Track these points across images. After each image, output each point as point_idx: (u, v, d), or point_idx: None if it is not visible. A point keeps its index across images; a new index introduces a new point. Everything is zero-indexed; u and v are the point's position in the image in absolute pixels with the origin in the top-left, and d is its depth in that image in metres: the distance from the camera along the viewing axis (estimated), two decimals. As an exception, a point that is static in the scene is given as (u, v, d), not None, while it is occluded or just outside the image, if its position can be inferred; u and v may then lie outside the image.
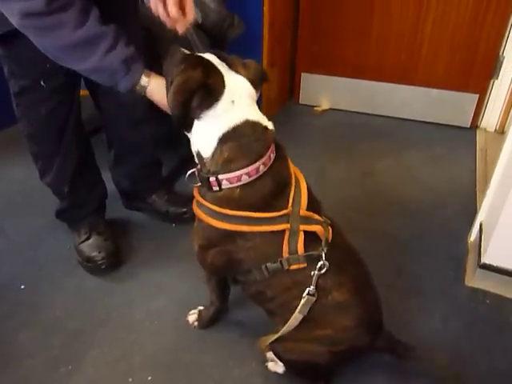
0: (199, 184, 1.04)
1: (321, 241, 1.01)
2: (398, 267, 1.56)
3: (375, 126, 2.56)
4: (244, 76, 0.99)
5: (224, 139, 0.97)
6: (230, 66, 0.99)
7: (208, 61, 0.98)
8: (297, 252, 0.99)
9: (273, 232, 0.99)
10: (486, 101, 2.43)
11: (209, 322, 1.34)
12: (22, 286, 1.48)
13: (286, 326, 1.02)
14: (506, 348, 1.30)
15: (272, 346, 1.11)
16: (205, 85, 0.94)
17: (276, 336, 1.05)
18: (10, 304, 1.42)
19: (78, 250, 1.58)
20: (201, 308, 1.36)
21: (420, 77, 2.47)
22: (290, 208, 0.99)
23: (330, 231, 1.05)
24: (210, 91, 0.94)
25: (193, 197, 1.09)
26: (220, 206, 1.00)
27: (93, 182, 1.65)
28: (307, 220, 1.00)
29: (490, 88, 2.39)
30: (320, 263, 0.99)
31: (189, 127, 1.01)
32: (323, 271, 0.99)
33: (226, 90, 0.96)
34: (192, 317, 1.35)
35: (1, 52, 1.30)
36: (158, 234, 1.72)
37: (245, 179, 0.97)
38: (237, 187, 0.98)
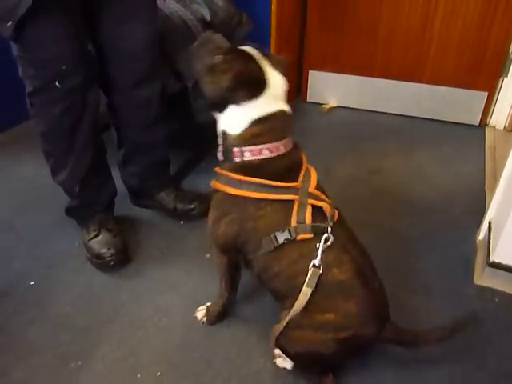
0: (221, 159, 1.12)
1: (326, 219, 1.05)
2: (405, 266, 1.56)
3: (383, 124, 2.55)
4: (279, 72, 1.09)
5: (256, 122, 1.06)
6: (269, 62, 1.08)
7: (254, 56, 1.07)
8: (305, 222, 1.03)
9: (282, 202, 1.05)
10: (494, 99, 2.41)
11: (217, 318, 1.35)
12: (32, 283, 1.49)
13: (296, 303, 1.02)
14: (515, 347, 1.29)
15: (277, 340, 1.11)
16: (257, 78, 1.04)
17: (289, 317, 1.04)
18: (19, 300, 1.43)
19: (87, 246, 1.59)
20: (209, 304, 1.36)
21: (428, 74, 2.45)
22: (299, 183, 1.07)
23: (336, 213, 1.09)
24: (259, 85, 1.04)
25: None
26: (235, 173, 1.07)
27: (103, 181, 1.65)
28: (315, 196, 1.07)
29: (499, 86, 2.37)
30: (325, 235, 1.02)
31: (222, 109, 1.08)
32: (329, 243, 1.02)
33: (270, 85, 1.05)
34: (200, 313, 1.36)
35: (16, 52, 1.31)
36: (166, 231, 1.72)
37: (265, 154, 1.06)
38: (256, 160, 1.06)
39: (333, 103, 2.72)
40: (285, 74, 1.10)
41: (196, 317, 1.36)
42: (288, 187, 1.05)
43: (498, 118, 2.44)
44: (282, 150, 1.07)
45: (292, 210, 1.04)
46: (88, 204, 1.62)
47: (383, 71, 2.53)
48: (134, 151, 1.72)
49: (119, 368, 1.24)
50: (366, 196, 1.93)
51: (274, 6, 2.16)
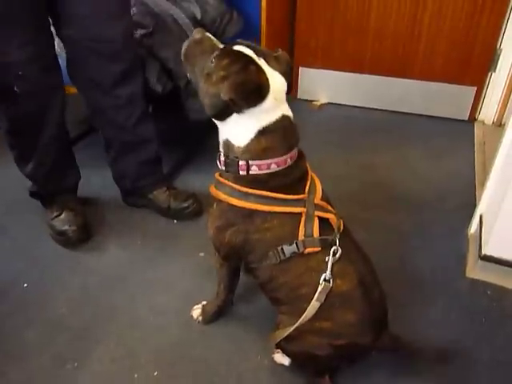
0: (223, 168, 1.07)
1: (332, 230, 1.04)
2: (398, 260, 1.57)
3: (373, 120, 2.56)
4: (278, 71, 1.01)
5: (263, 132, 1.00)
6: (266, 60, 1.00)
7: (251, 57, 0.98)
8: (312, 235, 1.02)
9: (290, 214, 1.03)
10: (483, 94, 2.43)
11: (213, 317, 1.35)
12: (25, 285, 1.49)
13: (303, 316, 1.02)
14: (507, 338, 1.31)
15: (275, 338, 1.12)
16: (259, 84, 0.96)
17: (293, 328, 1.04)
18: (14, 302, 1.43)
19: (51, 225, 1.66)
20: (204, 303, 1.37)
21: (418, 70, 2.47)
22: (306, 194, 1.04)
23: (342, 223, 1.08)
24: (261, 91, 0.97)
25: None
26: (240, 185, 1.03)
27: (68, 172, 1.72)
28: (321, 208, 1.05)
29: (487, 81, 2.39)
30: (334, 248, 1.02)
31: (225, 118, 1.02)
32: (337, 256, 1.02)
33: (271, 89, 0.98)
34: (196, 312, 1.36)
35: None
36: (160, 231, 1.72)
37: (273, 168, 1.02)
38: (264, 174, 1.02)
39: (323, 100, 2.72)
40: (285, 71, 1.03)
41: (192, 316, 1.36)
42: (296, 200, 1.03)
43: (486, 113, 2.46)
44: (289, 163, 1.03)
45: (299, 222, 1.02)
46: (52, 190, 1.69)
47: (373, 68, 2.54)
48: (122, 151, 1.72)
49: (116, 368, 1.24)
50: (358, 192, 1.94)
51: (264, 4, 2.16)
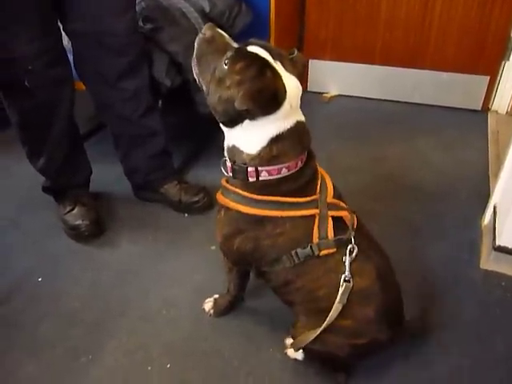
0: (230, 175, 1.02)
1: (346, 227, 1.01)
2: (411, 252, 1.56)
3: (385, 111, 2.54)
4: (294, 74, 0.95)
5: (276, 139, 0.95)
6: (282, 63, 0.93)
7: (267, 61, 0.91)
8: (327, 237, 0.99)
9: (302, 217, 0.99)
10: (496, 83, 2.39)
11: (224, 311, 1.35)
12: (39, 279, 1.50)
13: (328, 319, 1.00)
14: (522, 330, 1.30)
15: (293, 335, 1.12)
16: (276, 91, 0.90)
17: (317, 333, 1.03)
18: (28, 296, 1.44)
19: (63, 220, 1.68)
20: (216, 296, 1.37)
21: (430, 60, 2.44)
22: (318, 194, 1.01)
23: (355, 218, 1.05)
24: (278, 99, 0.91)
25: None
26: (251, 193, 0.99)
27: (80, 166, 1.73)
28: (334, 206, 1.02)
29: (501, 70, 2.35)
30: (350, 246, 0.99)
31: (235, 125, 0.96)
32: (354, 254, 0.99)
33: (288, 95, 0.92)
34: (208, 305, 1.36)
35: None
36: (171, 225, 1.73)
37: (284, 172, 0.97)
38: (273, 179, 0.98)
39: (334, 92, 2.71)
40: (301, 75, 0.97)
41: (204, 309, 1.36)
42: (308, 202, 0.99)
43: (500, 103, 2.43)
44: (300, 165, 0.99)
45: (313, 224, 0.99)
46: (64, 185, 1.70)
47: (384, 58, 2.51)
48: (131, 145, 1.73)
49: (129, 361, 1.24)
50: (370, 184, 1.93)
51: (272, -5, 2.15)
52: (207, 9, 1.81)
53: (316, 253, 0.99)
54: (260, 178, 0.97)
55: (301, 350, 1.17)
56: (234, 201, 1.02)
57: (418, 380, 1.18)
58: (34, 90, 1.41)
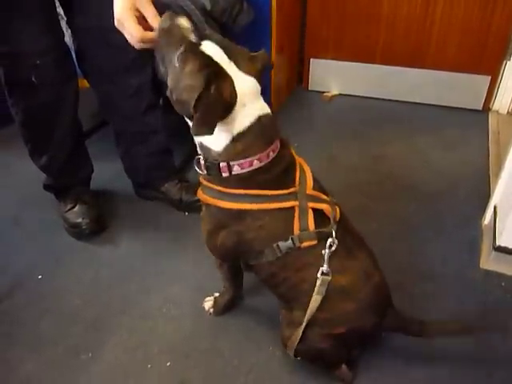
0: (205, 172, 1.04)
1: (328, 220, 1.02)
2: (411, 251, 1.56)
3: (386, 110, 2.54)
4: (251, 73, 0.95)
5: (238, 137, 0.96)
6: (237, 63, 0.93)
7: (216, 63, 0.91)
8: (308, 228, 1.00)
9: (282, 210, 1.00)
10: (498, 83, 2.39)
11: (224, 309, 1.36)
12: (40, 276, 1.51)
13: (308, 311, 1.02)
14: (522, 330, 1.30)
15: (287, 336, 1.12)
16: (223, 103, 0.91)
17: (301, 328, 1.04)
18: (29, 294, 1.45)
19: (64, 217, 1.68)
20: (216, 295, 1.37)
21: (431, 60, 2.44)
22: (297, 186, 1.02)
23: (338, 210, 1.06)
24: (226, 107, 0.92)
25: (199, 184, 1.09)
26: (228, 187, 1.01)
27: (81, 164, 1.74)
28: (314, 198, 1.02)
29: (502, 69, 2.35)
30: (330, 240, 1.00)
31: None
32: (333, 248, 1.00)
33: (239, 98, 0.93)
34: (208, 303, 1.37)
35: None
36: (172, 223, 1.73)
37: (256, 164, 0.98)
38: (247, 172, 0.99)
39: (335, 91, 2.70)
40: (259, 72, 0.96)
41: (203, 307, 1.37)
42: (286, 194, 1.00)
43: (501, 102, 2.43)
44: (272, 156, 0.99)
45: (293, 216, 1.00)
46: (65, 183, 1.71)
47: (385, 58, 2.51)
48: (132, 142, 1.73)
49: (129, 359, 1.25)
50: (371, 183, 1.93)
51: (274, -6, 2.15)
52: (208, 6, 1.80)
53: (297, 245, 1.00)
54: (233, 173, 0.99)
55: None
56: (212, 197, 1.04)
57: (418, 380, 1.18)
58: (41, 87, 1.41)
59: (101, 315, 1.37)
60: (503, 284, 1.44)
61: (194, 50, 0.91)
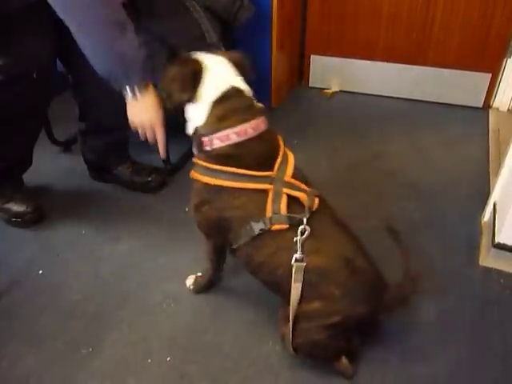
0: (196, 152, 1.14)
1: (304, 209, 1.04)
2: (410, 248, 1.55)
3: (386, 107, 2.54)
4: (223, 57, 1.12)
5: (215, 104, 1.07)
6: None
7: (187, 55, 1.11)
8: (279, 212, 1.03)
9: (257, 191, 1.06)
10: (498, 80, 2.39)
11: (203, 288, 1.41)
12: (40, 272, 1.51)
13: (291, 299, 1.04)
14: (520, 326, 1.30)
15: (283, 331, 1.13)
16: (192, 72, 1.07)
17: (291, 317, 1.06)
18: (29, 289, 1.45)
19: (4, 209, 1.69)
20: (199, 274, 1.41)
21: (431, 57, 2.44)
22: (274, 172, 1.07)
23: (316, 201, 1.07)
24: (193, 74, 1.07)
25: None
26: (210, 163, 1.09)
27: (23, 159, 1.72)
28: (291, 186, 1.07)
29: (502, 67, 2.35)
30: (301, 227, 1.02)
31: (185, 111, 1.13)
32: (305, 235, 1.02)
33: (207, 67, 1.08)
34: (189, 280, 1.42)
35: None
36: (172, 219, 1.73)
37: (233, 138, 1.06)
38: (227, 146, 1.06)
39: (335, 88, 2.70)
40: (238, 61, 1.13)
41: (185, 283, 1.42)
42: (262, 176, 1.06)
43: (501, 100, 2.43)
44: (252, 133, 1.07)
45: (267, 199, 1.05)
46: (3, 175, 1.69)
47: (386, 55, 2.51)
48: (96, 130, 1.77)
49: (129, 353, 1.25)
50: (371, 180, 1.93)
51: (275, -10, 2.14)
52: (209, 2, 1.80)
53: (267, 227, 1.04)
54: (213, 146, 1.07)
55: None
56: (197, 172, 1.13)
57: (418, 377, 1.18)
58: (37, 83, 1.42)
59: (100, 310, 1.37)
60: (502, 281, 1.44)
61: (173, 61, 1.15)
